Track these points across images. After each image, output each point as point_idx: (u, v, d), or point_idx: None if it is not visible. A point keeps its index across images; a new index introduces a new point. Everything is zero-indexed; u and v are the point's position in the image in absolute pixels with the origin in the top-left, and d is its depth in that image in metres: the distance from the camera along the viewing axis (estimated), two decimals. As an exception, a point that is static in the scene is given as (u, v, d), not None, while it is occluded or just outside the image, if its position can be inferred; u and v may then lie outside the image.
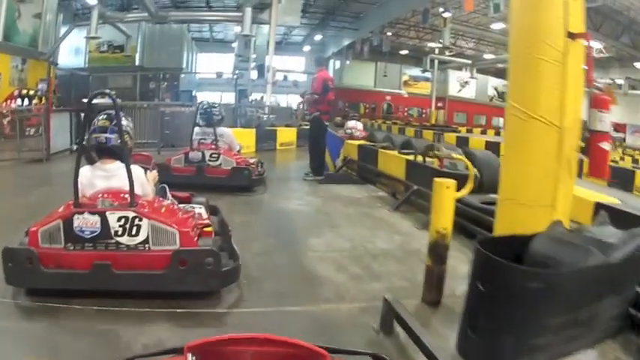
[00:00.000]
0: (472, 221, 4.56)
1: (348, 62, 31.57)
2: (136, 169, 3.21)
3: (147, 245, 2.95)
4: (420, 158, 6.16)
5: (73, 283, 2.89)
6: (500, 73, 35.37)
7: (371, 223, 5.24)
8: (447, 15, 19.54)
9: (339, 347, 1.08)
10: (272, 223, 5.28)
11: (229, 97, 25.77)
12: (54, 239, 2.92)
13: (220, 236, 3.49)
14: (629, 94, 29.79)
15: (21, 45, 13.52)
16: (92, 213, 2.90)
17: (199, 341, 0.92)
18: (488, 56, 31.67)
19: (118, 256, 2.90)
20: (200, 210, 3.66)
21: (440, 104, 32.51)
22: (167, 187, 3.73)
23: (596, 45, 24.27)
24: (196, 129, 6.59)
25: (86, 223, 2.89)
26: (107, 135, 3.10)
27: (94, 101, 3.44)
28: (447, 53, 26.66)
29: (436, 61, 29.65)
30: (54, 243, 2.92)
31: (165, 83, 21.88)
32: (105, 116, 3.15)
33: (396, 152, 7.22)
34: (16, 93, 13.07)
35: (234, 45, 25.51)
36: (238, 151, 6.90)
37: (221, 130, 6.68)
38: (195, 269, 2.89)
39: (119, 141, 3.08)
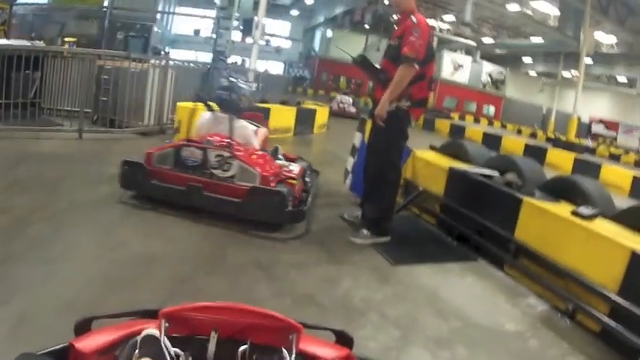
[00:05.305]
0: None
1: (331, 33, 28.91)
2: (245, 124, 4.26)
3: (234, 179, 3.74)
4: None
5: (170, 196, 3.71)
6: (497, 60, 33.63)
7: None
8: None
9: (312, 323, 1.05)
10: None
11: (205, 58, 22.97)
12: (164, 161, 3.83)
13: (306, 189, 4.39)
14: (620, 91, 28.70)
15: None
16: (197, 147, 3.81)
17: (174, 308, 0.91)
18: (488, 40, 29.77)
19: (209, 183, 3.70)
20: (295, 167, 4.45)
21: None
22: (279, 147, 4.70)
23: (607, 40, 22.70)
24: None
25: (191, 154, 3.78)
26: (224, 94, 4.30)
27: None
28: (467, 32, 24.13)
29: (436, 40, 27.55)
30: (164, 164, 3.83)
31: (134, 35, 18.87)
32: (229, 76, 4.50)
33: (568, 213, 3.24)
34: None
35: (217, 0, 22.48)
36: None
37: None
38: (265, 204, 3.56)
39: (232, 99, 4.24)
